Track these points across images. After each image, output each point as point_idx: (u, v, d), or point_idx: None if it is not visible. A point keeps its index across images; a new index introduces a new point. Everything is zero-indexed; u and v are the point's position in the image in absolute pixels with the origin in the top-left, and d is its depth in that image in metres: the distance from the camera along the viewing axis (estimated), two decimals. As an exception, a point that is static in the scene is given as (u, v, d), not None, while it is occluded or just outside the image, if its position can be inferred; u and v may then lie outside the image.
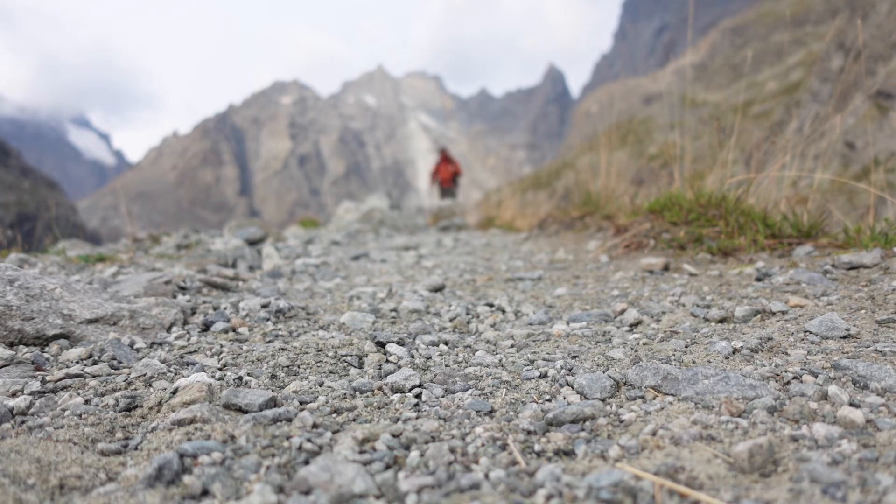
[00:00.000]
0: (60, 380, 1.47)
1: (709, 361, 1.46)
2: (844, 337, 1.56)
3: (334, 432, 1.15)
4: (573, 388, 1.35)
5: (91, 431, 1.15)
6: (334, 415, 1.25)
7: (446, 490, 0.88)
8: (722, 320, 1.92)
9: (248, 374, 1.53)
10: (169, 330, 2.06)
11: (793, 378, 1.27)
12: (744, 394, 1.19)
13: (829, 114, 3.87)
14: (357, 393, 1.41)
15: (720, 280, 2.58)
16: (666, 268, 3.06)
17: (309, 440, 1.06)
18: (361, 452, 1.02)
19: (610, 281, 2.99)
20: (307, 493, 0.87)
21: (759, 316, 1.90)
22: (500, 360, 1.66)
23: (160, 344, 1.89)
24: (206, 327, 2.12)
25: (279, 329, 2.09)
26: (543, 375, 1.48)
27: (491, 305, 2.50)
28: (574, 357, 1.64)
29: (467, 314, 2.36)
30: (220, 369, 1.60)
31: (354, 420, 1.22)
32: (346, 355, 1.72)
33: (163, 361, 1.66)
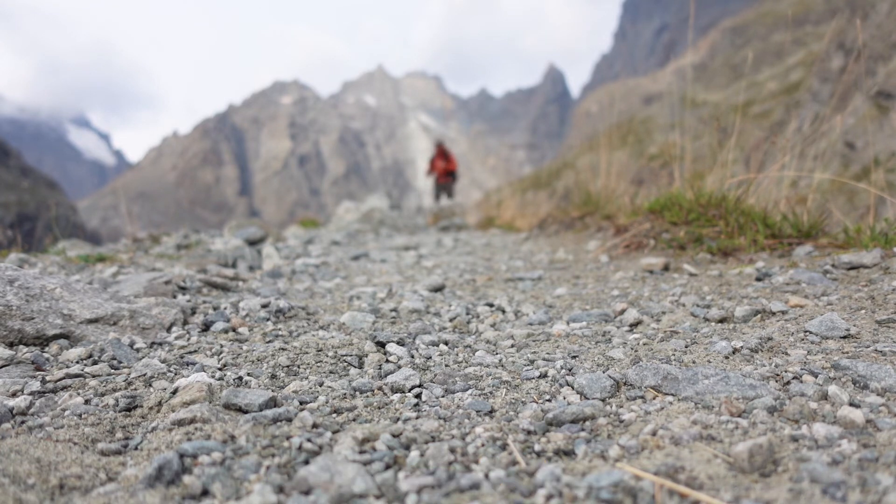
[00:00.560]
0: (60, 380, 1.47)
1: (709, 361, 1.46)
2: (844, 337, 1.56)
3: (334, 432, 1.15)
4: (573, 388, 1.35)
5: (91, 431, 1.15)
6: (334, 415, 1.25)
7: (446, 490, 0.88)
8: (722, 320, 1.92)
9: (248, 374, 1.53)
10: (169, 330, 2.06)
11: (793, 378, 1.27)
12: (744, 394, 1.19)
13: (829, 114, 3.87)
14: (357, 393, 1.41)
15: (720, 280, 2.58)
16: (666, 268, 3.06)
17: (309, 440, 1.06)
18: (361, 452, 1.02)
19: (610, 281, 2.99)
20: (307, 493, 0.87)
21: (759, 316, 1.90)
22: (500, 360, 1.66)
23: (160, 344, 1.89)
24: (206, 327, 2.12)
25: (279, 329, 2.09)
26: (543, 375, 1.48)
27: (491, 305, 2.50)
28: (574, 357, 1.64)
29: (467, 314, 2.36)
30: (220, 369, 1.60)
31: (354, 420, 1.22)
32: (346, 355, 1.72)
33: (163, 361, 1.66)
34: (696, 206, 3.54)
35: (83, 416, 1.24)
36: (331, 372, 1.60)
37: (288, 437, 1.08)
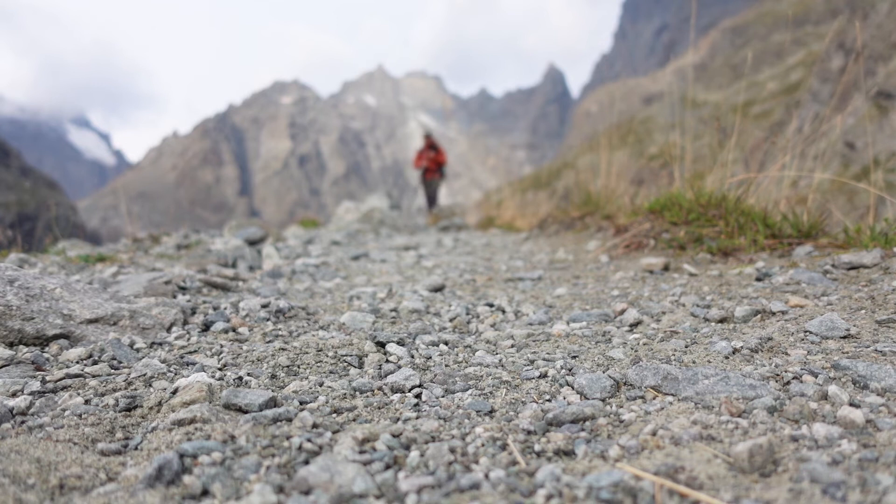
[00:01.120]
0: (60, 380, 1.47)
1: (709, 361, 1.46)
2: (844, 337, 1.56)
3: (334, 432, 1.15)
4: (573, 388, 1.35)
5: (91, 431, 1.15)
6: (334, 415, 1.25)
7: (446, 490, 0.88)
8: (722, 320, 1.92)
9: (248, 374, 1.53)
10: (169, 330, 2.06)
11: (793, 378, 1.27)
12: (744, 394, 1.19)
13: (829, 114, 3.87)
14: (357, 393, 1.41)
15: (720, 280, 2.58)
16: (666, 268, 3.06)
17: (309, 440, 1.06)
18: (361, 452, 1.02)
19: (610, 281, 2.99)
20: (307, 493, 0.87)
21: (759, 316, 1.90)
22: (500, 360, 1.66)
23: (160, 344, 1.89)
24: (206, 327, 2.12)
25: (279, 329, 2.09)
26: (543, 375, 1.48)
27: (491, 305, 2.50)
28: (574, 357, 1.64)
29: (467, 314, 2.36)
30: (220, 369, 1.60)
31: (354, 420, 1.22)
32: (346, 355, 1.72)
33: (163, 361, 1.66)
34: (696, 206, 3.54)
35: (83, 416, 1.24)
36: (331, 372, 1.60)
37: (288, 437, 1.08)
